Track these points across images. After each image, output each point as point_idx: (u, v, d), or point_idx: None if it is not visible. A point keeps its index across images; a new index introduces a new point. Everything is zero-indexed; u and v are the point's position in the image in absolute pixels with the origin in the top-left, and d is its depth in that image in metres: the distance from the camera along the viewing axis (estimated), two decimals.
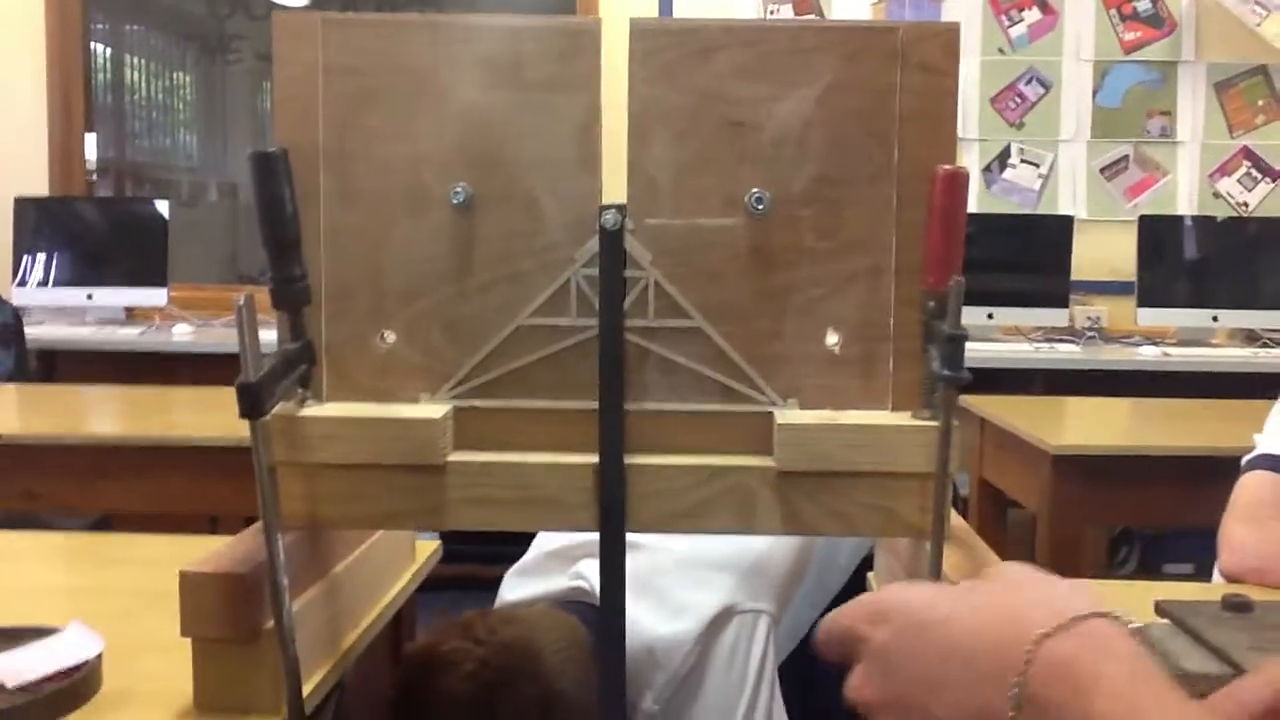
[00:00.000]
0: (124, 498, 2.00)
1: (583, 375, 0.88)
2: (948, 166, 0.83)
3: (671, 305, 0.88)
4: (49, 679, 0.83)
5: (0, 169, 3.94)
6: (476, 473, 0.87)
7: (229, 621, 0.79)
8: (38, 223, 3.81)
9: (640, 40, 0.86)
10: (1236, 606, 0.95)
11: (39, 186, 3.98)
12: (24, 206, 3.80)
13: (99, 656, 0.87)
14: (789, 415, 0.87)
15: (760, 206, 0.86)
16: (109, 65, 4.51)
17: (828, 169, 0.87)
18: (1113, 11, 3.49)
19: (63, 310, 3.80)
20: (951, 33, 0.86)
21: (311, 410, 0.86)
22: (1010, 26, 3.49)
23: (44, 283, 3.78)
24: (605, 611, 0.88)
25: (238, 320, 0.75)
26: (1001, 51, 3.51)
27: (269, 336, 0.81)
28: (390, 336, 0.89)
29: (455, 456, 0.87)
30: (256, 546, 0.83)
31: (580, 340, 0.88)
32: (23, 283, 3.76)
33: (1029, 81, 3.50)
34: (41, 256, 3.78)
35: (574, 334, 0.88)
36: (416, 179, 0.87)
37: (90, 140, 4.30)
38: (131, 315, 3.86)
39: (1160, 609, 0.98)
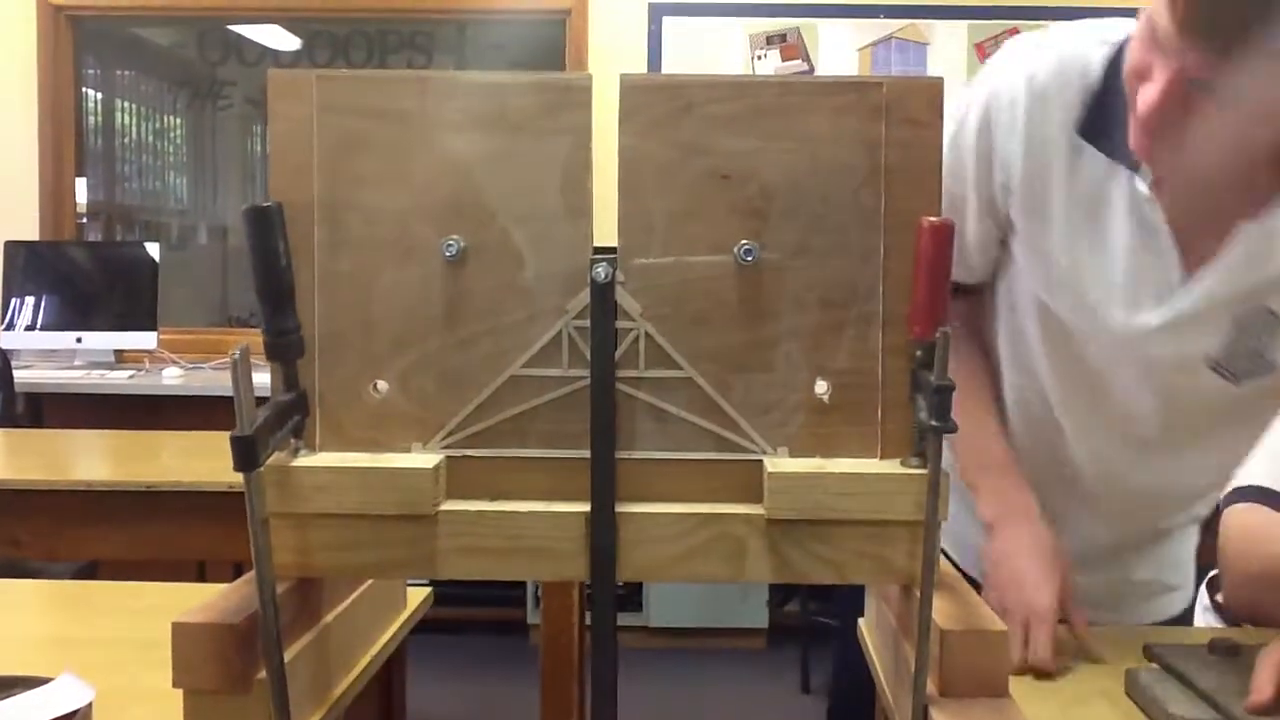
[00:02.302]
0: (111, 544, 1.99)
1: (575, 424, 0.89)
2: (933, 219, 0.85)
3: (662, 355, 0.89)
4: None
5: None
6: (468, 522, 0.88)
7: (221, 672, 0.79)
8: (27, 266, 3.82)
9: (628, 96, 0.88)
10: (1224, 650, 0.96)
11: (29, 230, 3.99)
12: (14, 250, 3.81)
13: (90, 706, 0.87)
14: (779, 464, 0.88)
15: (749, 258, 0.87)
16: (100, 109, 4.54)
17: (815, 220, 0.88)
18: None
19: (52, 353, 3.80)
20: (936, 87, 0.88)
21: (304, 460, 0.87)
22: None
23: (33, 326, 3.78)
24: (596, 663, 0.88)
25: (232, 373, 0.75)
26: None
27: (263, 379, 0.81)
28: (383, 386, 0.90)
29: (447, 506, 0.88)
30: (249, 596, 0.83)
31: (572, 390, 0.89)
32: (11, 326, 3.76)
33: None
34: (31, 300, 3.79)
35: (566, 384, 0.89)
36: (408, 231, 0.89)
37: (81, 184, 4.32)
38: (121, 358, 3.86)
39: (1149, 653, 0.98)
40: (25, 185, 3.99)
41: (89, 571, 2.44)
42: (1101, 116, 0.93)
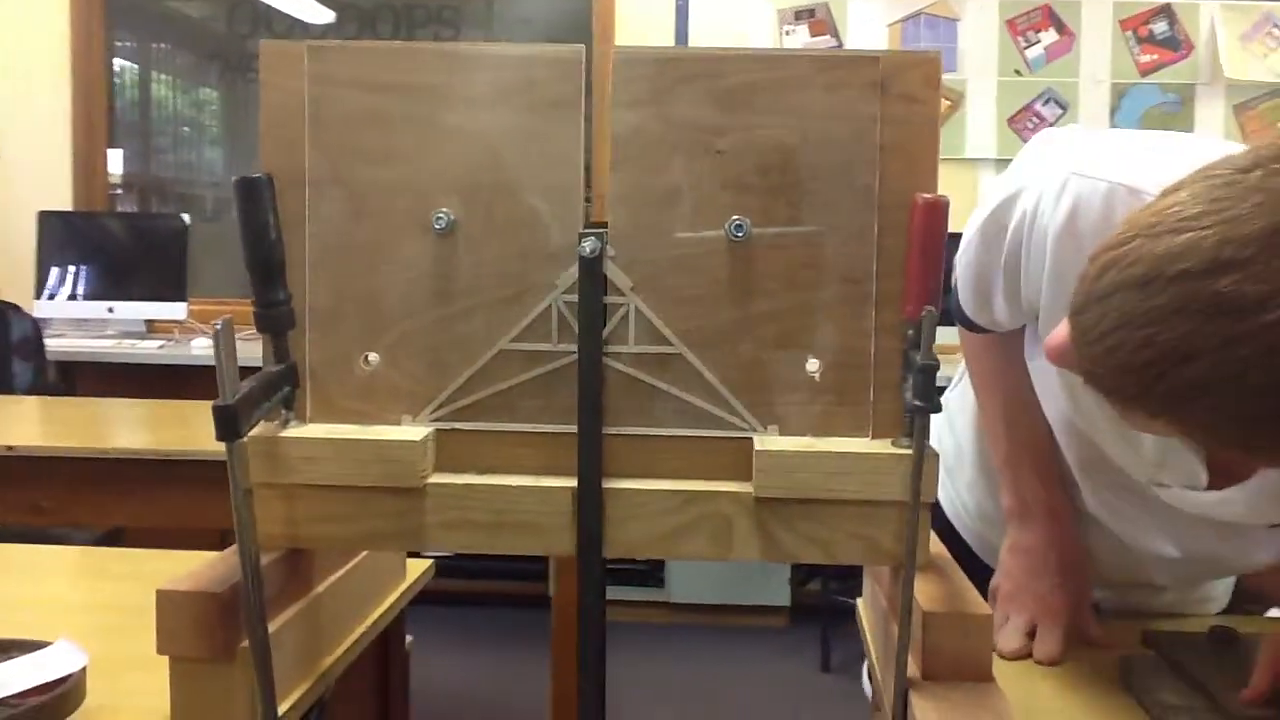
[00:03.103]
0: (136, 511, 2.02)
1: (565, 400, 0.88)
2: (927, 195, 0.83)
3: (652, 331, 0.88)
4: (31, 693, 0.84)
5: (25, 183, 4.01)
6: (455, 495, 0.88)
7: (204, 641, 0.79)
8: (61, 237, 3.87)
9: (621, 70, 0.87)
10: (1222, 640, 0.94)
11: (62, 201, 4.04)
12: (47, 220, 3.86)
13: (83, 671, 0.88)
14: (768, 442, 0.87)
15: (740, 234, 0.87)
16: (136, 83, 4.57)
17: (808, 197, 0.87)
18: (1129, 34, 3.48)
19: (84, 323, 3.85)
20: (932, 63, 0.86)
21: (292, 431, 0.87)
22: (1027, 48, 3.48)
23: (66, 296, 3.83)
24: (583, 636, 0.88)
25: (214, 343, 0.76)
26: (1018, 72, 3.50)
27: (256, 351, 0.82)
28: (373, 359, 0.90)
29: (435, 479, 0.88)
30: (236, 565, 0.84)
31: (561, 365, 0.89)
32: (45, 295, 3.81)
33: (1046, 102, 3.49)
34: (64, 270, 3.84)
35: (555, 359, 0.89)
36: (399, 204, 0.88)
37: (115, 156, 4.36)
38: (151, 328, 3.90)
39: (1147, 639, 0.97)
40: (58, 157, 4.04)
41: (114, 539, 2.48)
42: None
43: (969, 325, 1.05)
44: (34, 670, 0.86)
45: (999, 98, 3.49)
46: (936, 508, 1.21)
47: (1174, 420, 0.65)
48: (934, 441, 1.28)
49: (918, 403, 0.75)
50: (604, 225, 0.89)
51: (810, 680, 3.29)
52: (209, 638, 0.79)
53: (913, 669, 0.79)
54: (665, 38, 3.64)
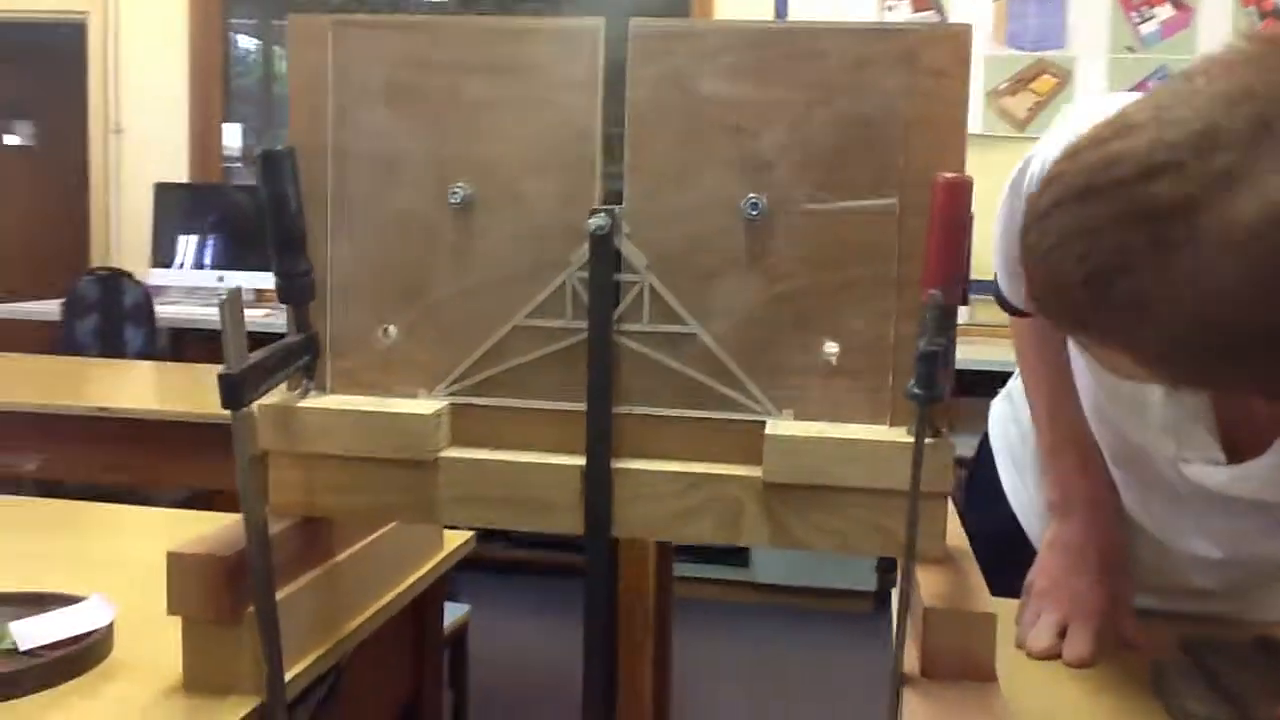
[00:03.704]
0: (215, 475, 2.09)
1: (579, 377, 0.88)
2: (949, 174, 0.80)
3: (667, 310, 0.87)
4: (58, 645, 0.88)
5: (143, 157, 4.17)
6: (467, 470, 0.88)
7: (212, 603, 0.81)
8: (176, 208, 4.01)
9: (640, 44, 0.85)
10: (1267, 649, 0.89)
11: (179, 174, 4.19)
12: (164, 192, 4.01)
13: (110, 626, 0.91)
14: (780, 426, 0.85)
15: (754, 212, 0.84)
16: (258, 59, 4.71)
17: (830, 174, 0.84)
18: (1251, 8, 3.29)
19: (194, 291, 3.99)
20: (962, 36, 0.83)
21: (308, 402, 0.89)
22: (1140, 24, 3.32)
23: (179, 265, 3.98)
24: (590, 614, 0.88)
25: (221, 314, 0.77)
26: (1130, 49, 3.35)
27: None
28: (392, 332, 0.91)
29: (447, 453, 0.88)
30: None
31: (576, 343, 0.88)
32: (160, 264, 3.96)
33: (1161, 80, 3.33)
34: (178, 240, 3.98)
35: (569, 336, 0.88)
36: (418, 179, 0.89)
37: (233, 130, 4.51)
38: (260, 298, 4.03)
39: (1185, 645, 0.92)
40: (176, 131, 4.19)
41: (204, 502, 2.57)
42: None
43: (1009, 308, 1.01)
44: (63, 624, 0.90)
45: (1109, 76, 3.33)
46: (1000, 503, 1.17)
47: (1129, 348, 0.61)
48: (998, 432, 1.24)
49: (917, 390, 0.72)
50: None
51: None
52: (216, 600, 0.81)
53: (915, 666, 0.76)
54: (764, 14, 3.59)
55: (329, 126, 0.90)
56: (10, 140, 5.01)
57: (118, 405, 2.05)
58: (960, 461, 1.35)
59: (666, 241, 0.87)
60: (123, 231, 4.20)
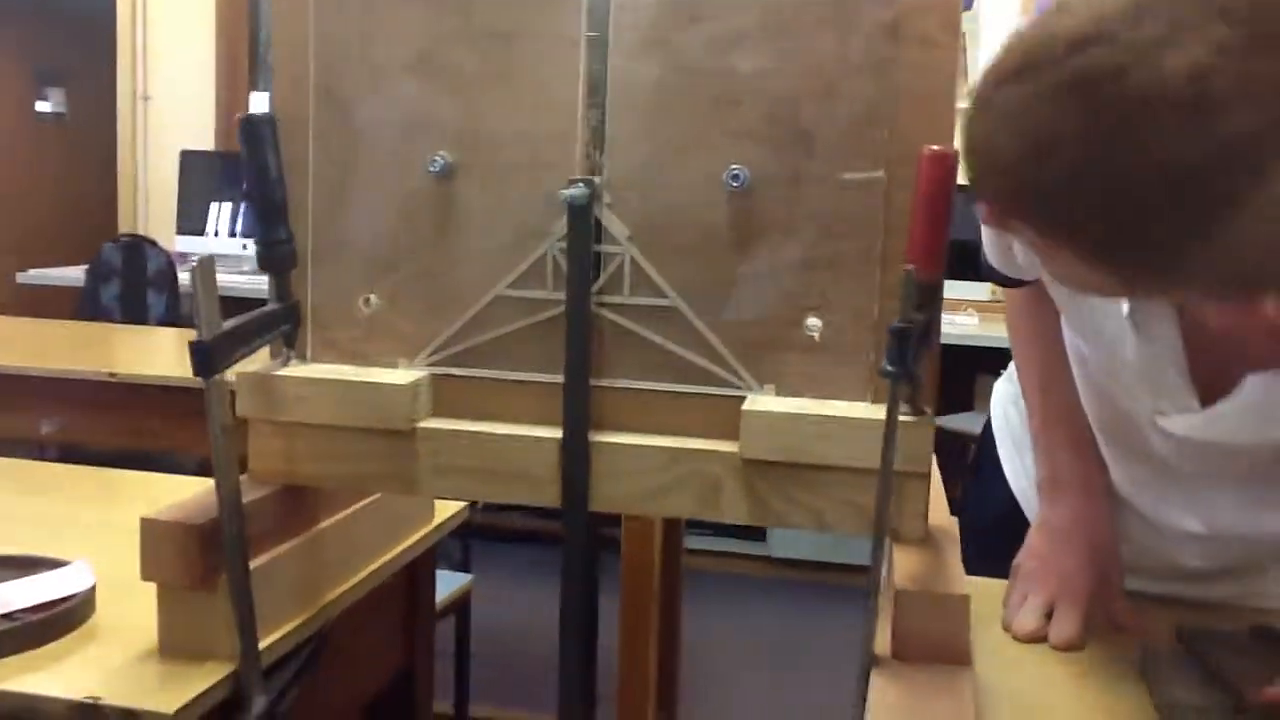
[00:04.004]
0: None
1: (560, 349, 0.87)
2: (934, 147, 0.78)
3: (648, 282, 0.86)
4: (39, 608, 0.88)
5: (170, 125, 4.19)
6: (444, 441, 0.88)
7: (184, 569, 0.82)
8: (202, 175, 4.03)
9: (620, 13, 0.83)
10: (1265, 638, 0.87)
11: (205, 142, 4.21)
12: (190, 159, 4.02)
13: (91, 590, 0.92)
14: (759, 402, 0.84)
15: (736, 183, 0.83)
16: None
17: (815, 146, 0.83)
18: None
19: (221, 259, 4.00)
20: (951, 5, 0.80)
21: (288, 370, 0.88)
22: None
23: (204, 232, 4.00)
24: (567, 588, 0.87)
25: (192, 281, 0.77)
26: None
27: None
28: (374, 301, 0.90)
29: (426, 424, 0.88)
30: None
31: (557, 314, 0.87)
32: (187, 232, 3.99)
33: None
34: (203, 207, 4.00)
35: (550, 308, 0.87)
36: (399, 147, 0.88)
37: (260, 99, 4.51)
38: None
39: (1180, 634, 0.90)
40: (202, 99, 4.21)
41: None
42: None
43: (998, 278, 0.99)
44: (45, 587, 0.90)
45: None
46: (1000, 486, 1.15)
47: (1071, 237, 0.60)
48: (999, 413, 1.22)
49: (888, 367, 0.71)
50: None
51: None
52: (188, 566, 0.81)
53: (887, 648, 0.75)
54: None
55: (310, 95, 0.89)
56: (42, 108, 5.05)
57: (130, 371, 2.06)
58: (972, 439, 1.33)
59: (648, 213, 0.85)
60: (150, 199, 4.23)
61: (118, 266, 3.47)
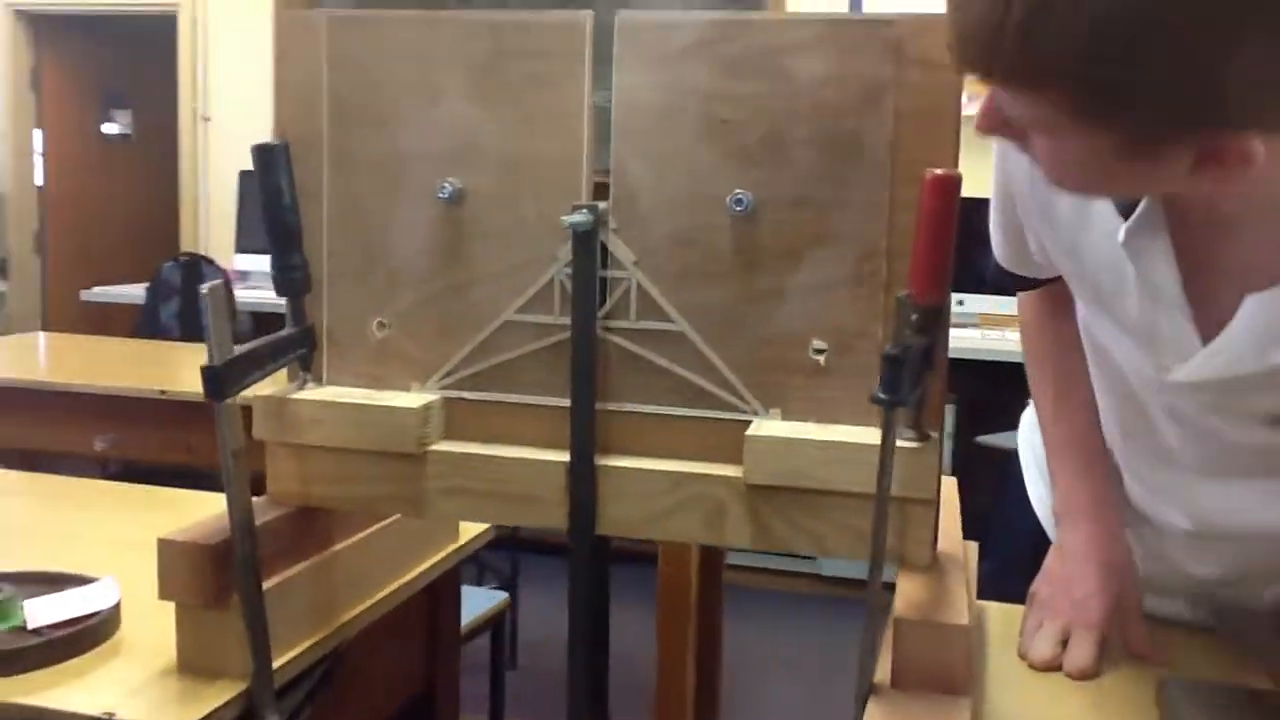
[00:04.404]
0: None
1: (568, 373, 0.87)
2: (938, 170, 0.77)
3: (654, 306, 0.86)
4: (65, 624, 0.91)
5: (230, 146, 4.29)
6: (454, 464, 0.89)
7: (199, 588, 0.83)
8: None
9: (625, 36, 0.84)
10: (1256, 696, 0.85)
11: None
12: (249, 179, 4.10)
13: (116, 607, 0.94)
14: (762, 426, 0.84)
15: (739, 208, 0.83)
16: None
17: (818, 169, 0.82)
18: None
19: None
20: None
21: (302, 394, 0.90)
22: None
23: (262, 250, 4.07)
24: (574, 612, 0.88)
25: (203, 307, 0.79)
26: None
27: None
28: (386, 326, 0.92)
29: (436, 447, 0.89)
30: None
31: (564, 338, 0.88)
32: (246, 250, 4.07)
33: None
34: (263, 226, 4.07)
35: (558, 332, 0.88)
36: (409, 173, 0.89)
37: None
38: None
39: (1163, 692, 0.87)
40: (262, 119, 4.30)
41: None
42: None
43: (1014, 283, 1.00)
44: (71, 604, 0.93)
45: None
46: (1026, 510, 1.13)
47: (1046, 84, 0.60)
48: (1025, 437, 1.20)
49: (881, 395, 0.70)
50: None
51: None
52: (202, 586, 0.83)
53: (885, 675, 0.75)
54: (839, 4, 3.53)
55: (323, 121, 0.91)
56: (109, 129, 5.19)
57: (181, 388, 2.11)
58: (1006, 455, 1.31)
59: (653, 237, 0.86)
60: (210, 217, 4.33)
61: (177, 284, 3.55)
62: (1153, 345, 0.84)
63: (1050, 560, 0.97)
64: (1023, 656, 0.93)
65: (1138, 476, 0.96)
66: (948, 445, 3.07)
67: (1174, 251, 0.80)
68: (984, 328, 3.32)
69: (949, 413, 3.07)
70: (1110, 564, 0.93)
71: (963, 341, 3.09)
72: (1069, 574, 0.93)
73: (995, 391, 2.86)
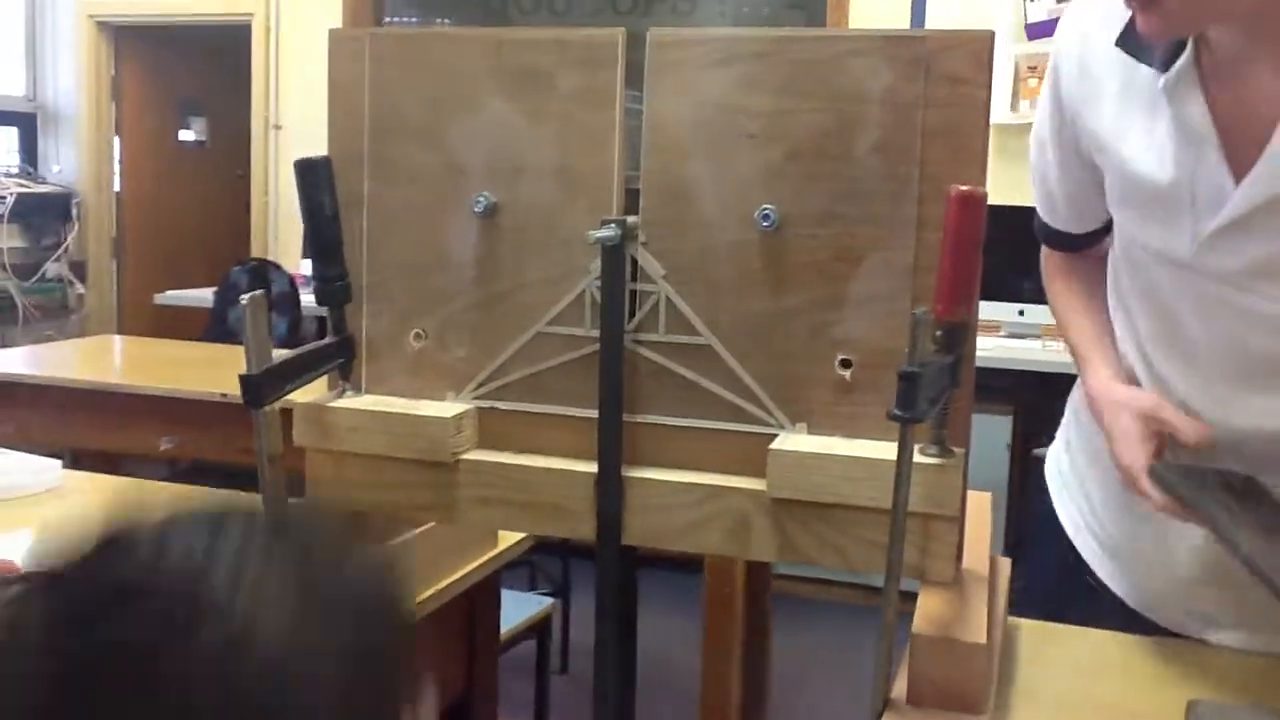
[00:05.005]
0: None
1: (597, 384, 0.89)
2: (963, 187, 0.77)
3: (683, 320, 0.87)
4: None
5: (301, 152, 4.36)
6: (485, 473, 0.90)
7: None
8: None
9: (656, 52, 0.85)
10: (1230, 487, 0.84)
11: None
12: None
13: None
14: (788, 440, 0.84)
15: (767, 223, 0.84)
16: None
17: (845, 185, 0.83)
18: None
19: None
20: (983, 41, 0.80)
21: (340, 402, 0.93)
22: None
23: None
24: (602, 620, 0.89)
25: (243, 317, 0.81)
26: None
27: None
28: (423, 336, 0.94)
29: (468, 456, 0.91)
30: None
31: (594, 350, 0.89)
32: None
33: None
34: None
35: (588, 344, 0.89)
36: (446, 187, 0.91)
37: None
38: None
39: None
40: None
41: None
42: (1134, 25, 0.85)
43: (1051, 240, 1.06)
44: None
45: None
46: (1053, 524, 1.12)
47: None
48: (1053, 458, 1.19)
49: (896, 412, 0.70)
50: None
51: None
52: None
53: (901, 692, 0.75)
54: (901, 13, 3.50)
55: (365, 137, 0.93)
56: (185, 136, 5.33)
57: (237, 391, 2.16)
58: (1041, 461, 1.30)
59: (682, 251, 0.87)
60: (279, 224, 4.42)
61: (244, 289, 3.64)
62: (1192, 206, 0.87)
63: (1087, 416, 1.01)
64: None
65: (1165, 384, 0.97)
66: (1004, 457, 3.02)
67: (1206, 96, 0.85)
68: (1045, 339, 3.27)
69: (1004, 424, 3.02)
70: (1137, 409, 0.93)
71: (1023, 353, 3.05)
72: (1111, 399, 0.96)
73: (1054, 403, 2.82)
